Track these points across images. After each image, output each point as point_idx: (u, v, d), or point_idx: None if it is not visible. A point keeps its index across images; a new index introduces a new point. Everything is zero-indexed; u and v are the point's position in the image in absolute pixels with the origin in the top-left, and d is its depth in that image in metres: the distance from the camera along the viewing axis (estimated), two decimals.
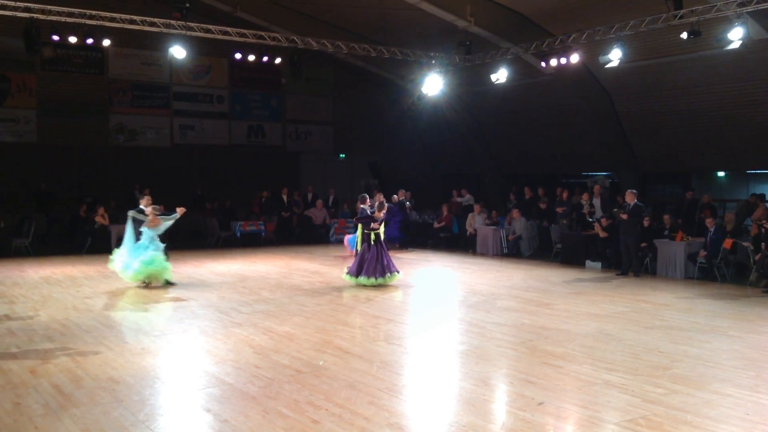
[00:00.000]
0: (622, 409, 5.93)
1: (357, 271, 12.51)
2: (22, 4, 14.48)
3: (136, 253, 12.30)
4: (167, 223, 12.68)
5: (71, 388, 6.44)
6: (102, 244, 17.88)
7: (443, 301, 11.68)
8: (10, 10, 14.46)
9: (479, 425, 5.53)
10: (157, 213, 12.65)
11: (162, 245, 12.62)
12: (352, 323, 9.53)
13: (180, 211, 12.78)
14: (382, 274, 12.44)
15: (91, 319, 9.65)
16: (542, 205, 18.46)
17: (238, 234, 20.14)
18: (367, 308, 10.75)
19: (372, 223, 12.66)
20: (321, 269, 15.23)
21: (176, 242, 19.87)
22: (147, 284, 12.33)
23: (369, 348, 8.08)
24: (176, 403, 6.20)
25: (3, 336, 8.57)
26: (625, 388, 6.46)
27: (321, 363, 7.39)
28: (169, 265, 12.62)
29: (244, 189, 22.73)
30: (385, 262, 12.55)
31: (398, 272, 12.82)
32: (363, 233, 12.78)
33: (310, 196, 22.63)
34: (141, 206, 12.76)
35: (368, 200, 13.23)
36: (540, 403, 6.03)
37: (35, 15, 14.70)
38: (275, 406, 5.97)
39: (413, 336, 9.05)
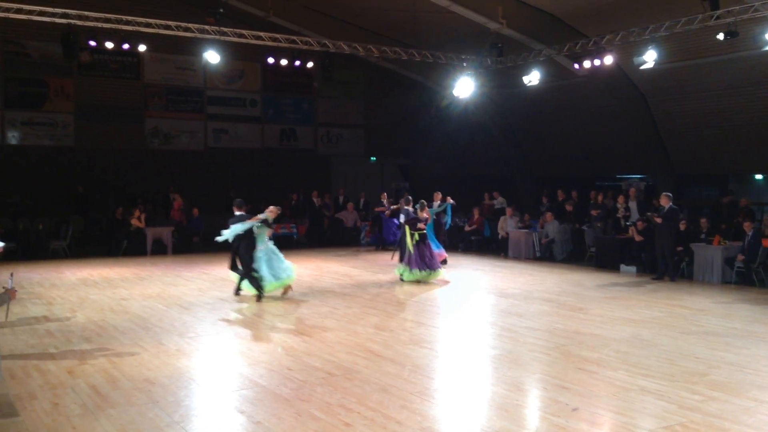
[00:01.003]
0: (658, 415, 5.84)
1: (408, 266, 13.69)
2: (60, 11, 14.79)
3: (271, 264, 11.55)
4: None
5: (108, 388, 6.55)
6: (138, 247, 18.24)
7: (475, 305, 11.63)
8: (49, 17, 14.77)
9: (512, 430, 5.49)
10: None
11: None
12: (383, 326, 9.53)
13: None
14: (424, 269, 13.47)
15: (127, 320, 9.80)
16: (569, 207, 18.24)
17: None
18: (399, 311, 10.75)
19: (418, 224, 13.68)
20: (352, 272, 15.27)
21: (209, 244, 20.17)
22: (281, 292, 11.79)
23: (400, 351, 8.08)
24: (210, 405, 6.27)
25: (42, 337, 8.76)
26: (661, 395, 6.37)
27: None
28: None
29: (276, 192, 22.89)
30: (427, 259, 13.56)
31: (440, 269, 13.83)
32: (410, 233, 13.68)
33: (341, 199, 22.72)
34: (238, 212, 11.67)
35: (411, 203, 14.19)
36: (574, 409, 5.97)
37: (73, 21, 14.98)
38: (308, 408, 6.00)
39: (445, 340, 9.02)
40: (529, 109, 21.53)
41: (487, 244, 19.89)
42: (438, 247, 15.00)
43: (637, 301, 11.55)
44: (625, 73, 17.81)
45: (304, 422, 5.66)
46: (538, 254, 18.02)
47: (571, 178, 22.24)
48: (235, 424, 5.71)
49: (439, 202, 16.77)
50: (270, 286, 11.45)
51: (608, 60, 15.63)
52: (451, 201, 16.16)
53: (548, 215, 18.06)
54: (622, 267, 15.41)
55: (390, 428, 5.52)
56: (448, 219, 16.83)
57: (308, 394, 6.41)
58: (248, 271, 11.37)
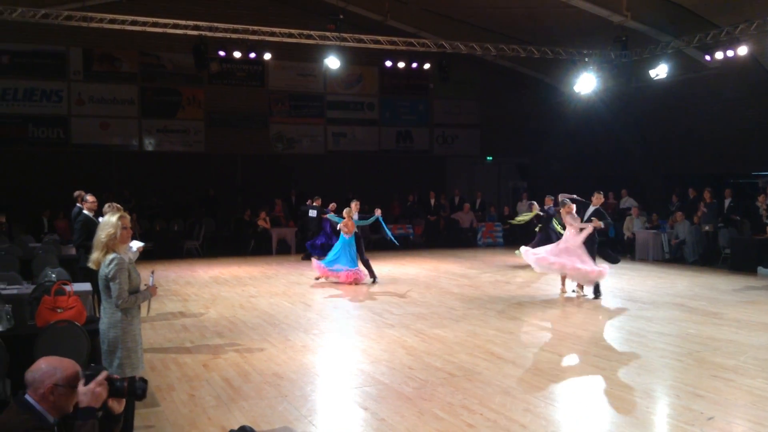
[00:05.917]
0: None
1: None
2: (191, 23, 15.69)
3: None
4: None
5: (240, 381, 6.87)
6: (264, 246, 19.06)
7: (599, 309, 11.26)
8: (182, 29, 15.71)
9: None
10: None
11: None
12: (503, 328, 9.42)
13: None
14: None
15: (256, 316, 10.24)
16: (698, 214, 17.19)
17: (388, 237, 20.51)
18: (518, 313, 10.59)
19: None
20: (468, 272, 15.19)
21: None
22: None
23: (522, 354, 7.97)
24: (335, 400, 6.44)
25: (178, 331, 9.31)
26: None
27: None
28: None
29: (393, 193, 23.16)
30: None
31: None
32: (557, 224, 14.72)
33: (456, 199, 22.66)
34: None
35: (551, 199, 14.91)
36: (710, 418, 5.67)
37: (203, 32, 15.85)
38: (430, 407, 6.04)
39: (567, 343, 8.79)
40: (655, 103, 20.62)
41: (611, 246, 19.17)
42: (354, 265, 13.28)
43: None
44: (761, 64, 16.71)
45: (426, 421, 5.70)
46: (667, 256, 17.22)
47: (702, 176, 21.08)
48: (359, 420, 5.84)
49: (356, 213, 13.91)
50: None
51: (742, 50, 14.76)
52: (379, 212, 13.96)
53: (678, 215, 17.22)
54: (760, 269, 14.48)
55: (514, 431, 5.46)
56: (387, 233, 15.11)
57: (430, 393, 6.45)
58: None
